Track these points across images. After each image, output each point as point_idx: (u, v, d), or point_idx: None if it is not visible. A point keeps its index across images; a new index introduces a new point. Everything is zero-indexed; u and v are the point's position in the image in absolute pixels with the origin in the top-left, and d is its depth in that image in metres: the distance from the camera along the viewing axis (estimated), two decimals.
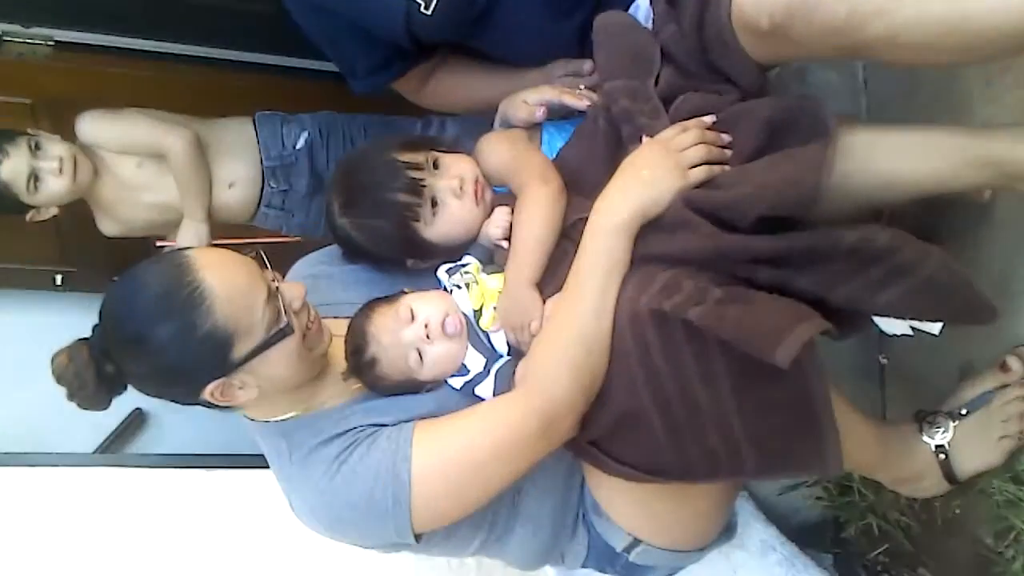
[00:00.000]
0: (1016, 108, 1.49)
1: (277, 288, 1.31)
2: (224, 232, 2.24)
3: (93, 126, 2.12)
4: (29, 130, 2.05)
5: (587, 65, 1.66)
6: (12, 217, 2.05)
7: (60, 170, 2.01)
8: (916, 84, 1.70)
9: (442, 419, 1.33)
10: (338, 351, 1.43)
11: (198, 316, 1.22)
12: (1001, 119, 1.51)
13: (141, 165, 2.14)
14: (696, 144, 1.29)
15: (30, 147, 1.99)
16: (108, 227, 2.21)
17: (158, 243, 2.17)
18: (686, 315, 1.16)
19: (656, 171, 1.28)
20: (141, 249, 2.71)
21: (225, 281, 1.26)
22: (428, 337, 1.40)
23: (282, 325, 1.29)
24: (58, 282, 3.08)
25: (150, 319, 1.24)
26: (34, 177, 1.99)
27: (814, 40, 1.20)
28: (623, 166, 1.33)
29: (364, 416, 1.37)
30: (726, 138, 1.31)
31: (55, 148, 2.02)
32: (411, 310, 1.42)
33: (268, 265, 1.34)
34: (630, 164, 1.33)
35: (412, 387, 1.43)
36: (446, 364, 1.42)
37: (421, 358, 1.40)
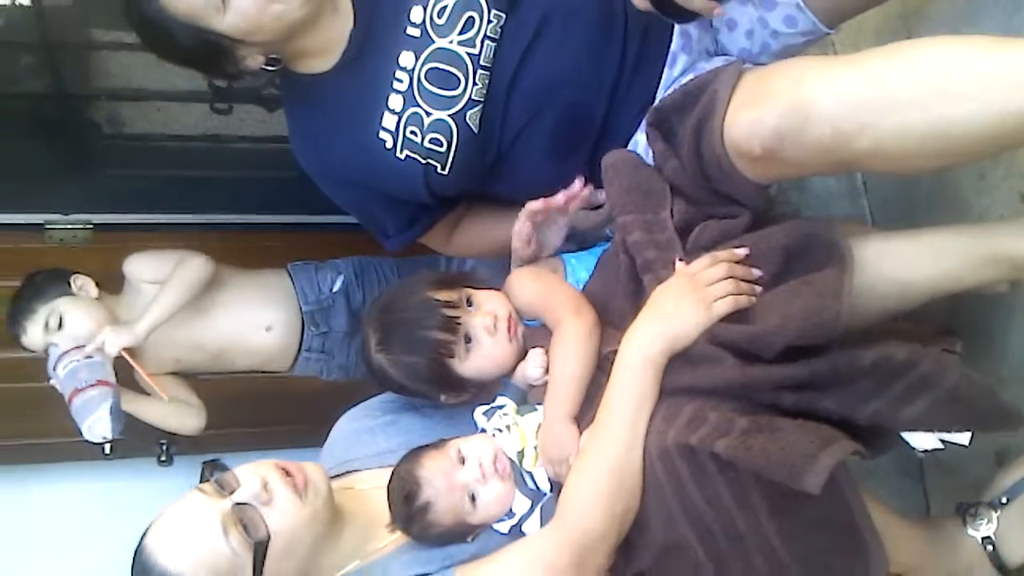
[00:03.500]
0: (1009, 198, 1.55)
1: (236, 505, 1.30)
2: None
3: (136, 261, 2.26)
4: (75, 281, 2.19)
5: (601, 194, 1.70)
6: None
7: None
8: (913, 182, 1.77)
9: (480, 561, 1.35)
10: (379, 500, 1.45)
11: None
12: (996, 209, 1.57)
13: None
14: (724, 278, 1.31)
15: (46, 324, 2.11)
16: None
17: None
18: (713, 448, 1.18)
19: (680, 305, 1.31)
20: None
21: (182, 556, 1.27)
22: (483, 476, 1.42)
23: (259, 539, 1.29)
24: (107, 451, 3.11)
25: None
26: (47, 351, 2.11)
27: (806, 160, 1.24)
28: (651, 298, 1.36)
29: (407, 568, 1.38)
30: (756, 273, 1.34)
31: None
32: (459, 451, 1.45)
33: (214, 472, 1.33)
34: (658, 296, 1.35)
35: (460, 534, 1.43)
36: (497, 506, 1.43)
37: (473, 501, 1.42)
